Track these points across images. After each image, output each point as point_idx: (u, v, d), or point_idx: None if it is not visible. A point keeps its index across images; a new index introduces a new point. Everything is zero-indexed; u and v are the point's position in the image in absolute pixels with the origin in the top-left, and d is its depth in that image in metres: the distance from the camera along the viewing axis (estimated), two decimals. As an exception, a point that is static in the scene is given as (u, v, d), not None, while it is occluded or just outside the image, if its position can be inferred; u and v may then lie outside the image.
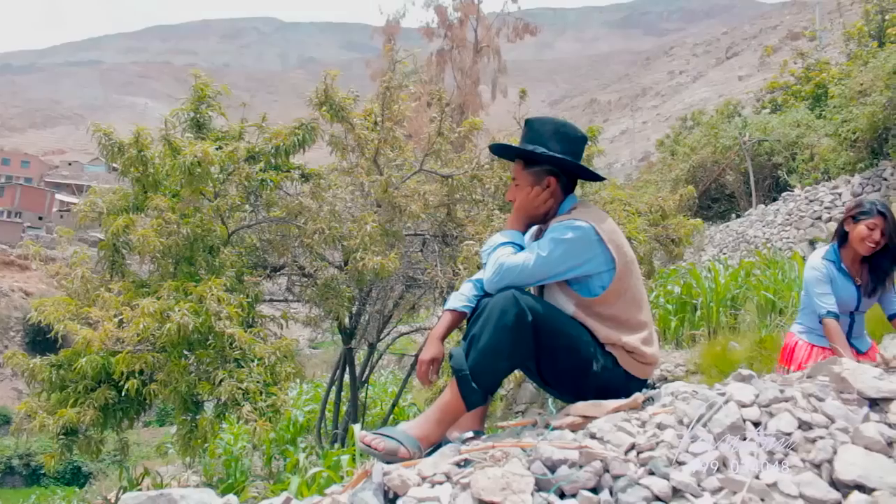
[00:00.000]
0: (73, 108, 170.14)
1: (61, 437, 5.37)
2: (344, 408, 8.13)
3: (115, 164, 6.09)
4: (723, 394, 2.16)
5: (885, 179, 12.08)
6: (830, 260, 3.80)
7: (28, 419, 5.34)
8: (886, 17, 17.74)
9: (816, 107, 19.66)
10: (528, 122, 2.83)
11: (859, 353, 3.73)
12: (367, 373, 8.66)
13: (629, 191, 11.06)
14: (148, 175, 5.90)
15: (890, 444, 1.85)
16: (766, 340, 6.00)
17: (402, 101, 6.84)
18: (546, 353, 2.47)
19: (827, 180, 14.39)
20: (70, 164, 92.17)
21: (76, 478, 23.70)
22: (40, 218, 63.47)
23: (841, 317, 3.74)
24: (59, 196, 70.32)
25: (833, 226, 12.02)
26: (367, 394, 9.36)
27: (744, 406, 2.08)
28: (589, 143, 7.78)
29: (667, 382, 3.14)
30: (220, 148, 5.98)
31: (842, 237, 3.80)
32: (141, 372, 5.03)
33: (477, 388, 2.37)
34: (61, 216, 59.59)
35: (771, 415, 2.04)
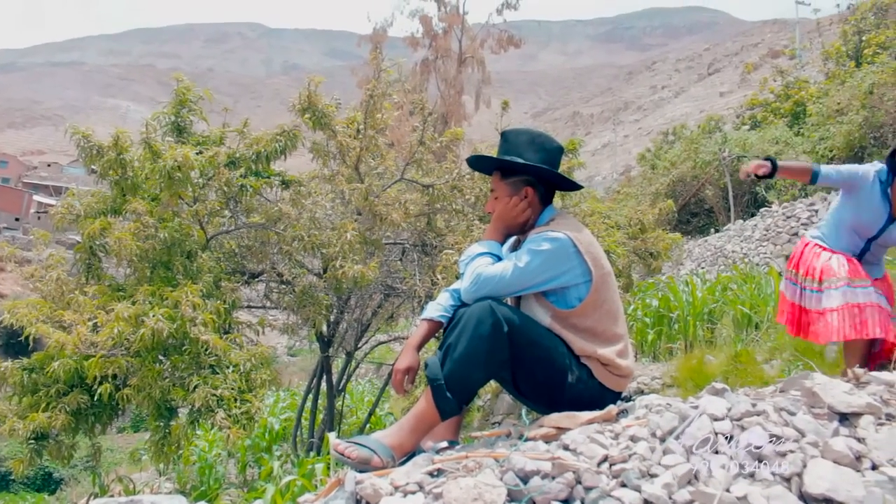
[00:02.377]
0: (54, 108, 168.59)
1: (31, 441, 5.30)
2: (320, 416, 8.08)
3: (93, 167, 6.04)
4: (696, 407, 2.18)
5: (861, 198, 12.24)
6: (880, 179, 3.67)
7: (-3, 423, 5.27)
8: (863, 39, 18.02)
9: (795, 124, 19.90)
10: (503, 133, 2.84)
11: (873, 278, 3.65)
12: (344, 381, 8.62)
13: (609, 204, 11.15)
14: (127, 178, 5.85)
15: (858, 458, 1.87)
16: (741, 354, 6.03)
17: (386, 110, 6.84)
18: (521, 364, 2.47)
19: (804, 197, 14.56)
20: (49, 166, 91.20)
21: (47, 484, 23.33)
22: (17, 219, 62.71)
23: (858, 238, 3.72)
24: (36, 197, 69.53)
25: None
26: (343, 402, 9.32)
27: (716, 419, 2.10)
28: (570, 155, 7.84)
29: (643, 395, 3.15)
30: (201, 153, 5.95)
31: (893, 168, 3.67)
32: (114, 377, 4.97)
33: (451, 397, 2.37)
34: (38, 217, 58.89)
35: (743, 428, 2.05)
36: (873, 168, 3.70)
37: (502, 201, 2.75)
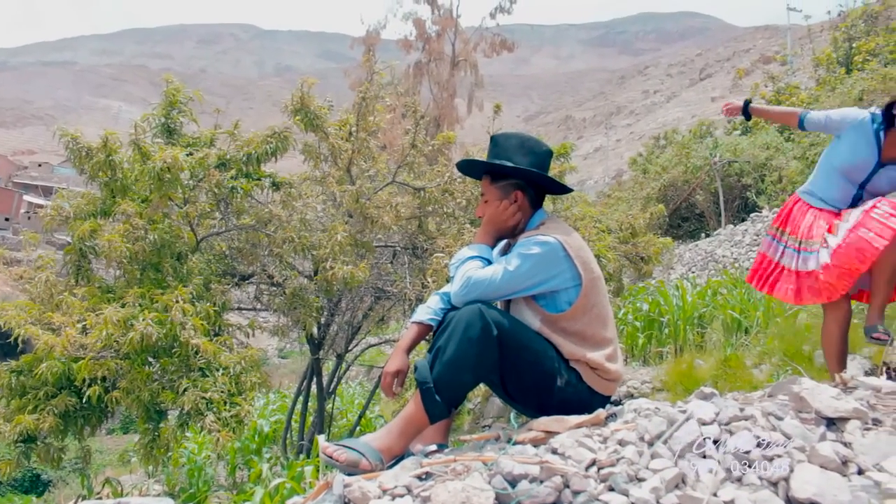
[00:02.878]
0: (45, 108, 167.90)
1: (19, 444, 5.27)
2: (310, 419, 8.07)
3: (83, 168, 6.00)
4: (684, 411, 2.19)
5: (852, 203, 12.31)
6: (873, 121, 3.54)
7: (-16, 426, 5.23)
8: (853, 46, 18.13)
9: (785, 129, 19.98)
10: (493, 138, 2.85)
11: None
12: (334, 384, 8.61)
13: (600, 208, 11.16)
14: (116, 180, 5.82)
15: (845, 462, 1.87)
16: (731, 359, 6.05)
17: (378, 113, 6.84)
18: (510, 368, 2.48)
19: (795, 202, 14.61)
20: (40, 166, 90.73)
21: (35, 486, 23.17)
22: (7, 219, 62.42)
23: (849, 184, 3.61)
24: (27, 197, 69.19)
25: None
26: (334, 405, 9.30)
27: (704, 424, 2.11)
28: (562, 159, 7.85)
29: (632, 399, 3.16)
30: (191, 154, 5.93)
31: (889, 120, 3.52)
32: (104, 379, 4.95)
33: (440, 401, 2.38)
34: (29, 217, 58.58)
35: (731, 433, 2.06)
36: (867, 111, 3.61)
37: (492, 205, 2.75)
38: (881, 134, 3.52)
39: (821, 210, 3.66)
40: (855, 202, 3.62)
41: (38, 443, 5.41)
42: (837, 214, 3.58)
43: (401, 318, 8.21)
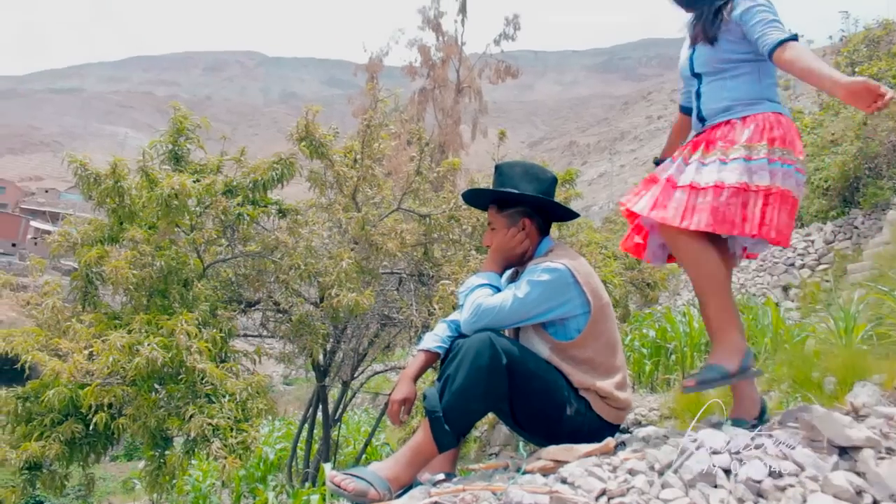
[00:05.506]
0: (53, 135, 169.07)
1: (24, 471, 5.25)
2: (316, 446, 8.03)
3: (91, 194, 6.04)
4: (694, 440, 2.17)
5: (856, 227, 12.26)
6: None
7: (-10, 452, 5.22)
8: (856, 70, 18.18)
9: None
10: (498, 167, 2.85)
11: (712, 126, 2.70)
12: (340, 411, 8.57)
13: (605, 234, 11.18)
14: (124, 206, 5.85)
15: (859, 493, 1.85)
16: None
17: (383, 140, 6.88)
18: (520, 396, 2.46)
19: (800, 227, 14.58)
20: (47, 192, 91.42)
21: (38, 513, 23.04)
22: (14, 245, 62.65)
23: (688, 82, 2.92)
24: (33, 223, 69.55)
25: (806, 272, 12.18)
26: (339, 432, 9.25)
27: (715, 453, 2.08)
28: (567, 185, 7.86)
29: (640, 427, 3.13)
30: (198, 181, 5.97)
31: None
32: (110, 405, 4.94)
33: (449, 430, 2.36)
34: (35, 243, 58.81)
35: (741, 462, 2.04)
36: None
37: (500, 233, 2.76)
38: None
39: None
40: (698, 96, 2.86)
41: (44, 470, 5.39)
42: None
43: (406, 344, 8.19)
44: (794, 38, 2.47)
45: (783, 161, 2.50)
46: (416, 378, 2.65)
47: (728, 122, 2.66)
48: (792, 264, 13.42)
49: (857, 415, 2.45)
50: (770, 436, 2.17)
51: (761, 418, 2.62)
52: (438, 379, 2.47)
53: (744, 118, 2.63)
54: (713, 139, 2.64)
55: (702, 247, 2.53)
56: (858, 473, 1.95)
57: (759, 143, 2.52)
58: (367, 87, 7.76)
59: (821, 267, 12.05)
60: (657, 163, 3.02)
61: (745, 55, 2.68)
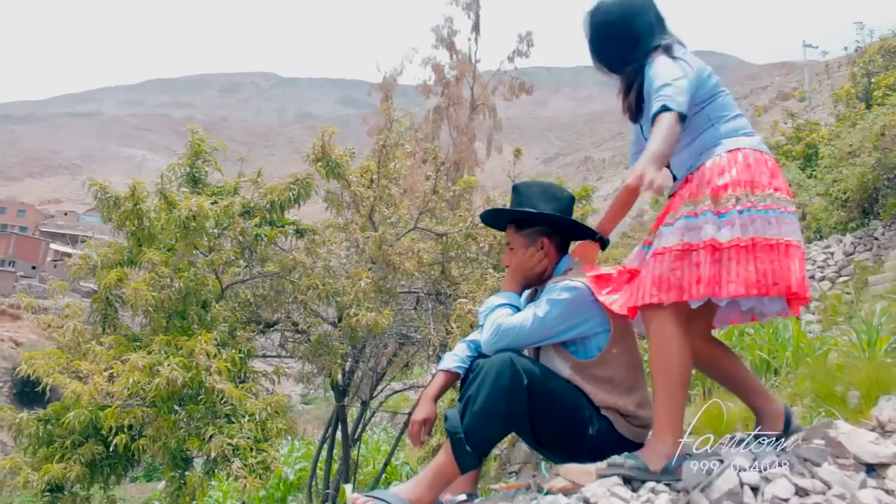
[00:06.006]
0: (72, 158, 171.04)
1: (46, 493, 5.27)
2: (336, 466, 8.01)
3: (110, 217, 6.09)
4: (720, 459, 2.14)
5: (877, 239, 12.15)
6: None
7: (12, 475, 5.24)
8: (872, 80, 18.08)
9: (808, 166, 19.87)
10: (515, 187, 2.86)
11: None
12: (359, 430, 8.56)
13: (622, 250, 11.12)
14: (143, 228, 5.90)
15: (887, 512, 1.83)
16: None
17: (398, 159, 6.91)
18: (541, 417, 2.45)
19: (819, 239, 14.47)
20: (66, 214, 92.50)
21: (59, 535, 23.06)
22: (34, 267, 63.30)
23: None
24: (53, 245, 70.31)
25: (826, 285, 12.06)
26: (359, 452, 9.23)
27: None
28: (583, 202, 7.86)
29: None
30: (216, 202, 6.01)
31: None
32: (130, 427, 4.96)
33: (471, 451, 2.35)
34: (55, 266, 59.38)
35: (768, 480, 2.02)
36: None
37: (519, 252, 2.76)
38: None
39: None
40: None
41: (65, 492, 5.41)
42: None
43: (425, 363, 8.17)
44: (665, 109, 2.26)
45: (742, 207, 2.30)
46: (436, 398, 2.65)
47: (686, 179, 2.50)
48: (812, 277, 13.29)
49: (884, 430, 2.41)
50: (796, 454, 2.15)
51: (787, 430, 2.50)
52: (459, 400, 2.47)
53: (694, 171, 2.48)
54: (674, 200, 2.50)
55: (673, 333, 2.32)
56: (887, 491, 1.92)
57: (702, 196, 2.36)
58: (382, 106, 7.79)
59: (841, 279, 11.91)
60: (596, 238, 2.88)
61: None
